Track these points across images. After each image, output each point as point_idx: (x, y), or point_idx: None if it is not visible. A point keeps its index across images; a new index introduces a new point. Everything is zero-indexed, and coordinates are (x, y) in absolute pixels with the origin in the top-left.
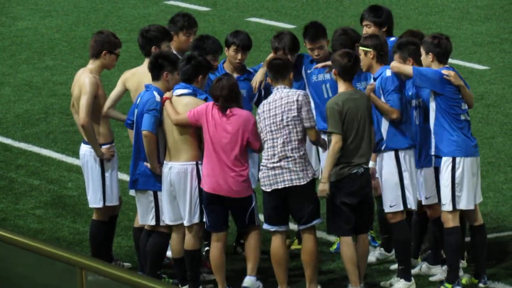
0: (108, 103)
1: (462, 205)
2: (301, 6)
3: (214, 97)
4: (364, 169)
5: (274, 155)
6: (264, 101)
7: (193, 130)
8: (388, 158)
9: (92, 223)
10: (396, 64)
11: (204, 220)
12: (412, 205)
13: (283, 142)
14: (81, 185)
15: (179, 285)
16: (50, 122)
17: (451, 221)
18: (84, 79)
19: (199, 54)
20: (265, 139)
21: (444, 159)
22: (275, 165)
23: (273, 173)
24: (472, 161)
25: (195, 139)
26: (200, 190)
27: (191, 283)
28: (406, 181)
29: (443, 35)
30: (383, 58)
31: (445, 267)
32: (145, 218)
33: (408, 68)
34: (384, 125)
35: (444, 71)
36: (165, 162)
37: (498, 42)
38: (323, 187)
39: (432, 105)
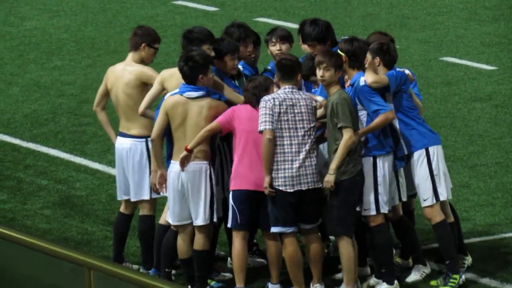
0: (145, 102)
1: (443, 196)
2: (309, 6)
3: (245, 91)
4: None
5: (299, 153)
6: (275, 98)
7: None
8: (365, 163)
9: (140, 219)
10: (373, 79)
11: (229, 219)
12: (385, 209)
13: (308, 143)
14: (89, 185)
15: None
16: (58, 122)
17: (438, 216)
18: (144, 71)
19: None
20: (284, 135)
21: (417, 154)
22: (300, 165)
23: (297, 173)
24: (441, 149)
25: (208, 139)
26: (213, 189)
27: (199, 284)
28: (380, 187)
29: (390, 43)
30: (355, 63)
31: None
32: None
33: (383, 79)
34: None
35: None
36: (173, 161)
37: (506, 43)
38: (329, 178)
39: (392, 107)
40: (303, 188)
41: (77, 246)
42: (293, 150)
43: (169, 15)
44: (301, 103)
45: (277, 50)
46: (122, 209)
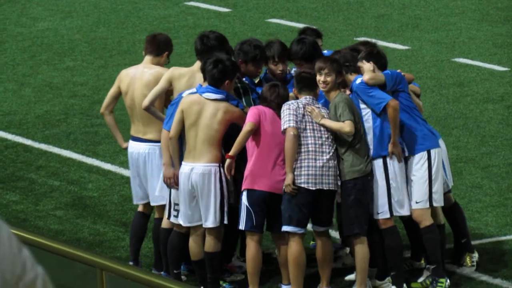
0: (149, 97)
1: (437, 202)
2: (322, 7)
3: (264, 100)
4: None
5: (322, 153)
6: (298, 102)
7: (222, 132)
8: (376, 164)
9: (155, 221)
10: (369, 76)
11: (242, 221)
12: (398, 212)
13: (330, 145)
14: (101, 186)
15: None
16: (70, 123)
17: (427, 220)
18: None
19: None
20: (308, 135)
21: (418, 156)
22: (324, 164)
23: (320, 172)
24: (440, 153)
25: (220, 141)
26: (223, 191)
27: (211, 285)
28: (393, 189)
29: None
30: (349, 68)
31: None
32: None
33: (380, 76)
34: (370, 133)
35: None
36: (184, 162)
37: None
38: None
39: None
40: (325, 188)
41: (89, 247)
42: (317, 149)
43: (181, 16)
44: (323, 111)
45: (279, 70)
46: (140, 208)
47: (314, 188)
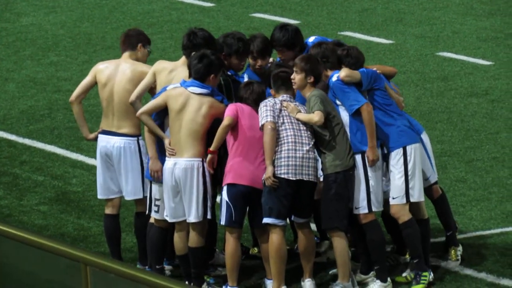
0: (137, 92)
1: (414, 197)
2: (306, 2)
3: (240, 99)
4: None
5: (302, 144)
6: (275, 99)
7: (206, 127)
8: (355, 160)
9: (135, 216)
10: (345, 73)
11: (222, 216)
12: (377, 207)
13: (309, 137)
14: (86, 181)
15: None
16: (54, 118)
17: (405, 215)
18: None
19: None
20: (287, 127)
21: (394, 152)
22: (304, 155)
23: (300, 163)
24: (419, 148)
25: (204, 136)
26: (206, 186)
27: (196, 279)
28: (372, 184)
29: (351, 47)
30: (326, 64)
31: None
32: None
33: (356, 74)
34: (351, 127)
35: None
36: (167, 157)
37: (503, 37)
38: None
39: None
40: (305, 179)
41: (73, 242)
42: (297, 140)
43: (165, 11)
44: (299, 107)
45: (258, 66)
46: (108, 211)
47: (294, 179)
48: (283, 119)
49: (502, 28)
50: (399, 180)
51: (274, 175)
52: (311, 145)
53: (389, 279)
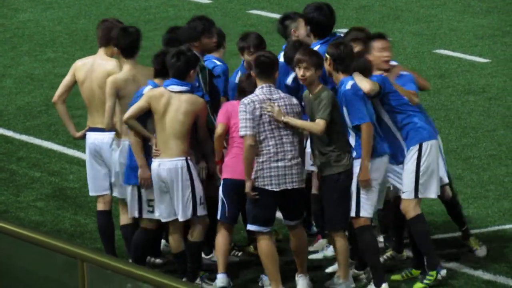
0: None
1: (422, 194)
2: None
3: (243, 91)
4: None
5: (284, 152)
6: (255, 101)
7: (188, 125)
8: (355, 165)
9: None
10: (370, 87)
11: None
12: (366, 214)
13: (292, 142)
14: (83, 177)
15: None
16: (51, 114)
17: (412, 211)
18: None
19: (174, 45)
20: (268, 136)
21: (411, 149)
22: (286, 164)
23: (283, 172)
24: (436, 144)
25: (188, 134)
26: (193, 184)
27: (191, 274)
28: (363, 191)
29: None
30: (340, 66)
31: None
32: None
33: (376, 86)
34: (352, 135)
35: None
36: (153, 159)
37: (500, 35)
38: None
39: (382, 110)
40: (289, 187)
41: (70, 238)
42: (278, 150)
43: (162, 7)
44: (281, 103)
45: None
46: (100, 207)
47: (278, 190)
48: (263, 127)
49: (499, 25)
50: (409, 175)
51: (254, 188)
52: (294, 151)
53: (384, 284)
